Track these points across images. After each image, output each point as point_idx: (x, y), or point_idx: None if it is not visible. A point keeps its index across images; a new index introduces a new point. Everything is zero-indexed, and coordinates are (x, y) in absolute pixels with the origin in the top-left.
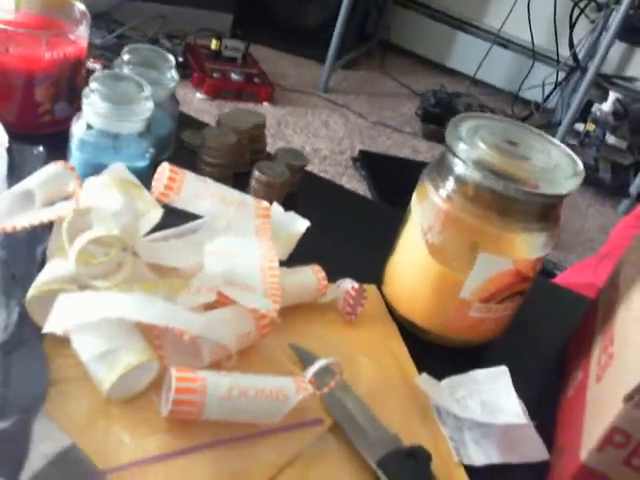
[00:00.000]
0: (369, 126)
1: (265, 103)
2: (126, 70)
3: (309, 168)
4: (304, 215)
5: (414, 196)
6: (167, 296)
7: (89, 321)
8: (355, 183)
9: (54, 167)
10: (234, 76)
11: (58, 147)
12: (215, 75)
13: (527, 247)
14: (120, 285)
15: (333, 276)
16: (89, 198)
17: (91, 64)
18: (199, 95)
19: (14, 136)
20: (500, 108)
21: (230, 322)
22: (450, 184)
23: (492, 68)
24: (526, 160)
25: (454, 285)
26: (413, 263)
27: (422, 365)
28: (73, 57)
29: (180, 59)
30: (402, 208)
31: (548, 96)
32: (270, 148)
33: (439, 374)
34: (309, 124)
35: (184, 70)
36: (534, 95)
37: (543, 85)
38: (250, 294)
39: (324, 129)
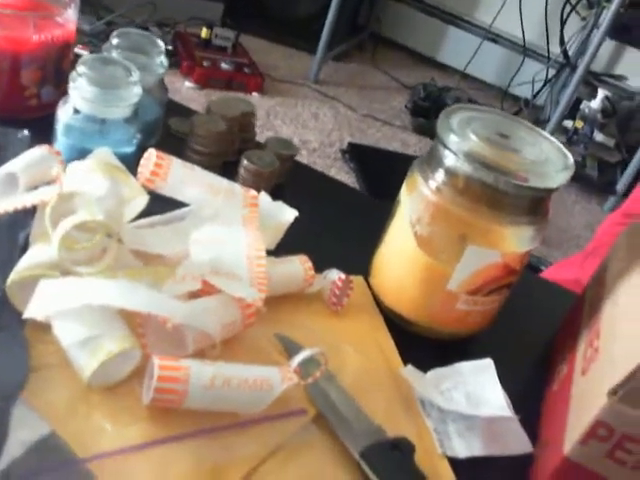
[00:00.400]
0: (359, 118)
1: (254, 93)
2: (115, 54)
3: (300, 160)
4: (292, 205)
5: (403, 187)
6: (152, 284)
7: (71, 307)
8: (343, 175)
9: (39, 151)
10: (224, 65)
11: (44, 132)
12: (205, 64)
13: (516, 240)
14: (104, 272)
15: (320, 267)
16: (73, 183)
17: (79, 50)
18: (188, 84)
19: None
20: (489, 103)
21: (215, 311)
22: (440, 176)
23: (482, 63)
24: (517, 153)
25: (441, 277)
26: (401, 255)
27: (408, 357)
28: (61, 40)
29: (169, 47)
30: (390, 201)
31: (538, 92)
32: (259, 139)
33: (425, 366)
34: (298, 115)
35: (173, 58)
36: (524, 91)
37: (533, 81)
38: (236, 283)
39: (313, 121)
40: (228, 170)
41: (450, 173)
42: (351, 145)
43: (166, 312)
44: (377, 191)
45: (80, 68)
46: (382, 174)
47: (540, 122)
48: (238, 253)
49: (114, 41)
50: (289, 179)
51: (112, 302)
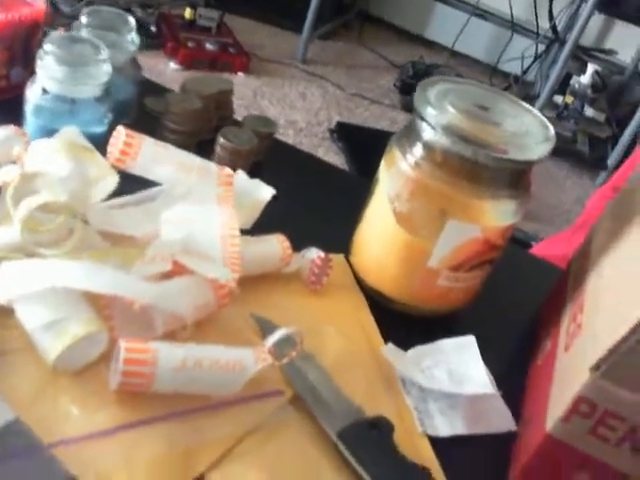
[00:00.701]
0: (347, 97)
1: (240, 73)
2: (84, 33)
3: (286, 140)
4: (271, 183)
5: (382, 163)
6: (120, 265)
7: (34, 290)
8: (332, 155)
9: (3, 131)
10: (208, 46)
11: (13, 113)
12: (189, 45)
13: (496, 214)
14: (68, 253)
15: (301, 246)
16: (36, 163)
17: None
18: (173, 65)
19: None
20: (478, 80)
21: (187, 292)
22: (418, 150)
23: (471, 40)
24: (497, 125)
25: (422, 254)
26: (380, 232)
27: (390, 335)
28: (29, 20)
29: (153, 29)
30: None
31: (527, 68)
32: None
33: (408, 344)
34: (286, 95)
35: (157, 40)
36: (513, 67)
37: (522, 57)
38: (208, 263)
39: (301, 100)
40: (204, 148)
41: (428, 147)
42: (339, 124)
43: (132, 293)
44: (366, 170)
45: (47, 46)
46: (371, 153)
47: (530, 98)
48: (211, 232)
49: (84, 19)
50: (268, 157)
51: (76, 284)
